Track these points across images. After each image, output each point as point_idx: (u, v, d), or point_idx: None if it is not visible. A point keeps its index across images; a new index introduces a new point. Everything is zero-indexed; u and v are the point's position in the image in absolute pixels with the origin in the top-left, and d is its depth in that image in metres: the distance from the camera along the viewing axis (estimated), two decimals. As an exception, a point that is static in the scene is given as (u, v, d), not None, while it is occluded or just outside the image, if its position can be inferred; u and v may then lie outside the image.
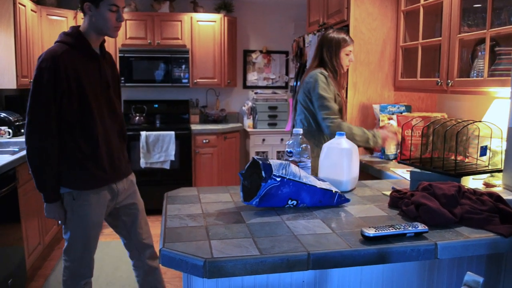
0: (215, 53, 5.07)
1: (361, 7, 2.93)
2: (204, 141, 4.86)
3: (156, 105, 5.31)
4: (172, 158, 4.68)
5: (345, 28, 2.95)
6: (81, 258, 2.17)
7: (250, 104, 5.37)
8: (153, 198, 3.89)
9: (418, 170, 1.85)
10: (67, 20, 4.69)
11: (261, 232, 1.38)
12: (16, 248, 2.94)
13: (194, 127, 4.94)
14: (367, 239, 1.27)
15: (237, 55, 5.41)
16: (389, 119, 2.79)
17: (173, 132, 4.67)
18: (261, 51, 5.50)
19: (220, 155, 4.96)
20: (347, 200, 1.68)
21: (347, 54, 2.58)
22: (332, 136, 2.11)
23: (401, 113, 2.87)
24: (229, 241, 1.29)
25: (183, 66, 4.97)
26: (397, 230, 1.29)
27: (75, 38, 2.03)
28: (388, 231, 1.28)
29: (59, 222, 2.16)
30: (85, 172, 2.06)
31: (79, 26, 2.08)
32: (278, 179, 1.54)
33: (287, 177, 1.57)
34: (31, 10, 4.18)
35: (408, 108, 2.96)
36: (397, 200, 1.62)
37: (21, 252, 3.00)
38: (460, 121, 1.93)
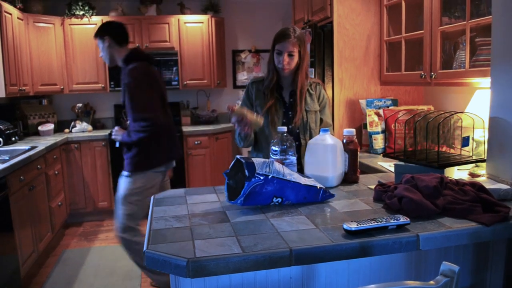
0: (203, 54, 5.07)
1: (344, 3, 2.94)
2: (196, 142, 4.87)
3: (147, 109, 5.29)
4: (165, 160, 4.67)
5: (329, 25, 2.96)
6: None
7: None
8: (146, 201, 3.88)
9: (402, 163, 1.87)
10: (54, 26, 4.68)
11: (245, 230, 1.39)
12: (9, 256, 2.94)
13: (186, 128, 4.94)
14: (349, 233, 1.28)
15: (226, 55, 5.42)
16: (376, 113, 2.81)
17: (164, 135, 4.66)
18: (250, 51, 5.51)
19: (212, 156, 4.97)
20: (332, 196, 1.69)
21: (277, 53, 2.19)
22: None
23: (388, 107, 2.89)
24: (213, 241, 1.30)
25: (173, 69, 4.97)
26: (379, 223, 1.30)
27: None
28: (370, 224, 1.29)
29: None
30: None
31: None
32: (262, 177, 1.55)
33: (271, 175, 1.58)
34: (18, 18, 4.17)
35: (395, 102, 2.98)
36: (381, 193, 1.63)
37: (15, 261, 3.00)
38: (442, 112, 1.95)
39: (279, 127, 1.94)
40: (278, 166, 1.63)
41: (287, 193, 1.62)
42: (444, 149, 2.06)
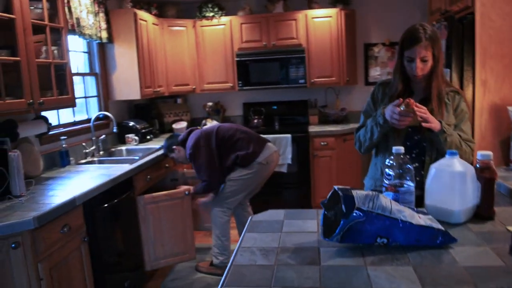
0: (332, 50, 4.81)
1: (491, -11, 2.44)
2: (322, 143, 4.66)
3: (275, 107, 5.26)
4: (289, 161, 4.58)
5: (470, 17, 2.48)
6: None
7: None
8: (271, 201, 4.21)
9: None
10: (187, 29, 4.87)
11: (334, 280, 1.17)
12: (135, 251, 3.13)
13: (312, 128, 4.76)
14: (466, 307, 0.98)
15: (357, 50, 5.08)
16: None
17: (289, 135, 4.56)
18: (383, 44, 5.08)
19: (339, 159, 4.70)
20: (454, 240, 1.36)
21: (408, 60, 1.90)
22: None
23: (547, 115, 2.33)
24: (292, 293, 1.12)
25: (300, 66, 4.81)
26: (510, 297, 0.97)
27: None
28: (496, 299, 0.97)
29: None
30: None
31: None
32: (362, 213, 1.31)
33: (375, 212, 1.32)
34: (153, 23, 4.42)
35: (558, 109, 2.39)
36: (522, 244, 1.26)
37: (139, 253, 3.19)
38: None
39: (394, 148, 1.64)
40: (384, 200, 1.36)
41: (395, 233, 1.34)
42: None
